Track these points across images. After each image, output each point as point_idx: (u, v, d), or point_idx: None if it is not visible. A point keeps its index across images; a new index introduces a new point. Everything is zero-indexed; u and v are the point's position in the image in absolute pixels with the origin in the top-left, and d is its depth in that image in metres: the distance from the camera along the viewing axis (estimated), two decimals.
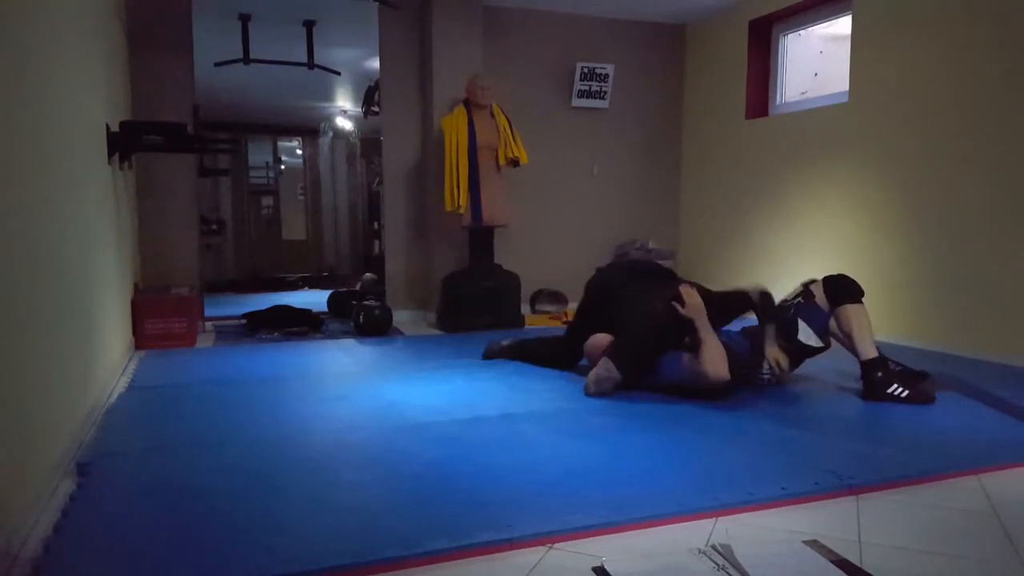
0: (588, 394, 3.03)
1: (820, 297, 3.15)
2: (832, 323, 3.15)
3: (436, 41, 5.13)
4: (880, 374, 2.99)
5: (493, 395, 3.09)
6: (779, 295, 3.31)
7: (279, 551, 1.61)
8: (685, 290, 3.01)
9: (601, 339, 3.22)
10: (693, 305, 2.94)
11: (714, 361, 2.82)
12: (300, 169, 8.96)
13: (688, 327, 2.93)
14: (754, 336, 3.14)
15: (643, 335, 3.04)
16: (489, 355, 3.82)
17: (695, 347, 2.90)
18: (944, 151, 4.02)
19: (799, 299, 3.16)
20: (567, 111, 5.77)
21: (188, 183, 4.94)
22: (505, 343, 3.83)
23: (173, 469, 2.16)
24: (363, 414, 2.81)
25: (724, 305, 3.13)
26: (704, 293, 3.07)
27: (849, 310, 3.07)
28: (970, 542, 1.73)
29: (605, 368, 3.01)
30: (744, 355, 3.05)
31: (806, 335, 3.14)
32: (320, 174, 8.89)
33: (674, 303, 2.97)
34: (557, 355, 3.58)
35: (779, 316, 3.12)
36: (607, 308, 3.28)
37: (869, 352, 3.02)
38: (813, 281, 3.26)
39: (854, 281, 3.17)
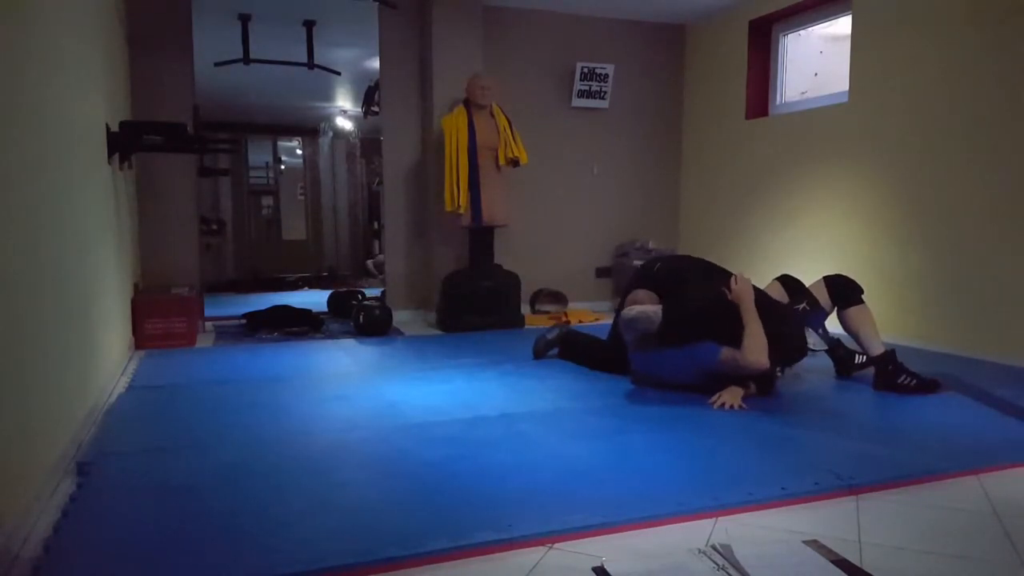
0: (625, 319, 3.03)
1: (823, 298, 3.22)
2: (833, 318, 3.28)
3: (436, 41, 5.14)
4: (890, 367, 3.10)
5: (493, 395, 3.09)
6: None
7: (279, 551, 1.61)
8: (737, 276, 3.02)
9: (642, 295, 3.16)
10: (741, 290, 2.94)
11: (756, 348, 2.81)
12: (300, 169, 8.95)
13: (734, 316, 2.90)
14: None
15: (698, 302, 3.05)
16: (538, 353, 3.80)
17: (737, 338, 2.86)
18: (944, 151, 4.02)
19: (804, 306, 3.20)
20: (567, 111, 5.77)
21: (188, 183, 4.94)
22: (551, 336, 3.81)
23: (173, 469, 2.16)
24: (363, 414, 2.81)
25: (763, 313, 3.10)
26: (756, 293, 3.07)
27: (855, 312, 3.19)
28: (970, 542, 1.73)
29: (654, 310, 2.98)
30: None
31: (809, 336, 3.24)
32: (320, 174, 8.88)
33: (724, 288, 2.98)
34: (603, 364, 3.53)
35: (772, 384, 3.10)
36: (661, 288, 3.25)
37: (878, 349, 3.15)
38: (787, 278, 3.36)
39: (852, 280, 3.25)
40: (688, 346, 2.95)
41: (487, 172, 4.95)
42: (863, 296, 3.23)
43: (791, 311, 3.19)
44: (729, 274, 3.13)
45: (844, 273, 3.44)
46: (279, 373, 3.56)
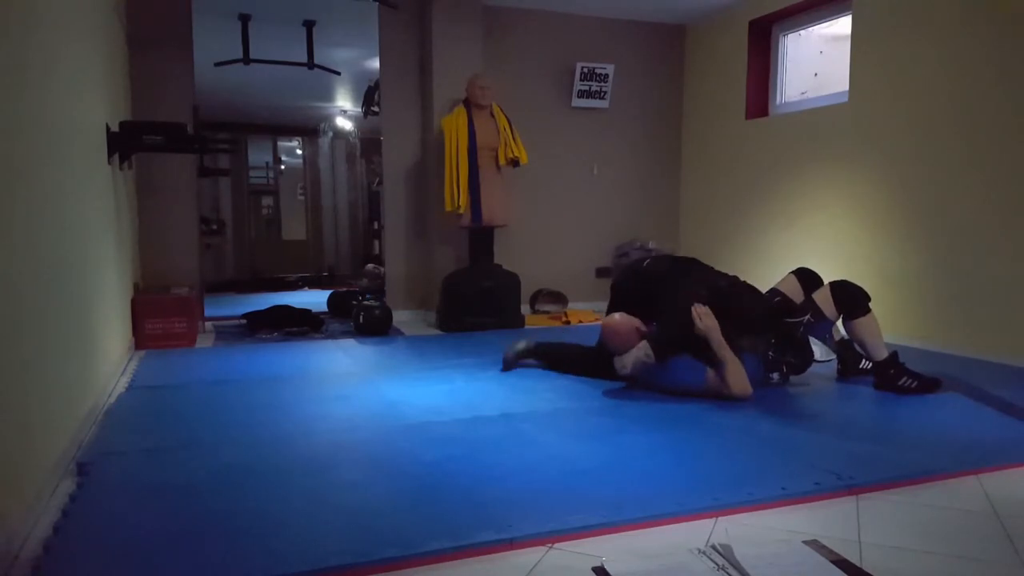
0: (622, 374, 3.05)
1: (827, 306, 3.17)
2: (839, 324, 3.29)
3: (436, 41, 5.14)
4: (892, 371, 3.11)
5: (493, 395, 3.09)
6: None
7: (279, 551, 1.61)
8: (697, 311, 3.01)
9: (618, 320, 3.12)
10: (707, 326, 2.98)
11: (739, 381, 2.93)
12: (300, 169, 8.94)
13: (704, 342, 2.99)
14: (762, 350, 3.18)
15: (682, 317, 3.04)
16: (508, 365, 3.57)
17: (714, 364, 2.96)
18: (944, 151, 4.02)
19: (808, 318, 3.16)
20: (567, 111, 5.77)
21: (188, 183, 4.94)
22: (521, 347, 3.59)
23: (173, 469, 2.16)
24: (363, 414, 2.81)
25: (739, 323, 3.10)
26: (722, 305, 3.07)
27: (862, 323, 3.16)
28: (970, 542, 1.73)
29: (646, 353, 3.00)
30: (751, 370, 3.08)
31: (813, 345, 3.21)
32: (320, 174, 8.88)
33: (694, 311, 3.00)
34: (595, 369, 3.36)
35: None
36: (642, 295, 3.25)
37: (882, 354, 3.15)
38: (804, 271, 3.33)
39: (859, 290, 3.20)
40: (676, 366, 3.01)
41: (487, 172, 4.95)
42: (869, 304, 3.20)
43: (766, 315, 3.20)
44: (696, 266, 3.25)
45: (843, 273, 3.43)
46: (279, 373, 3.56)
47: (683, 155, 6.19)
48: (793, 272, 3.38)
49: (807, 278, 3.33)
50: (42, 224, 2.07)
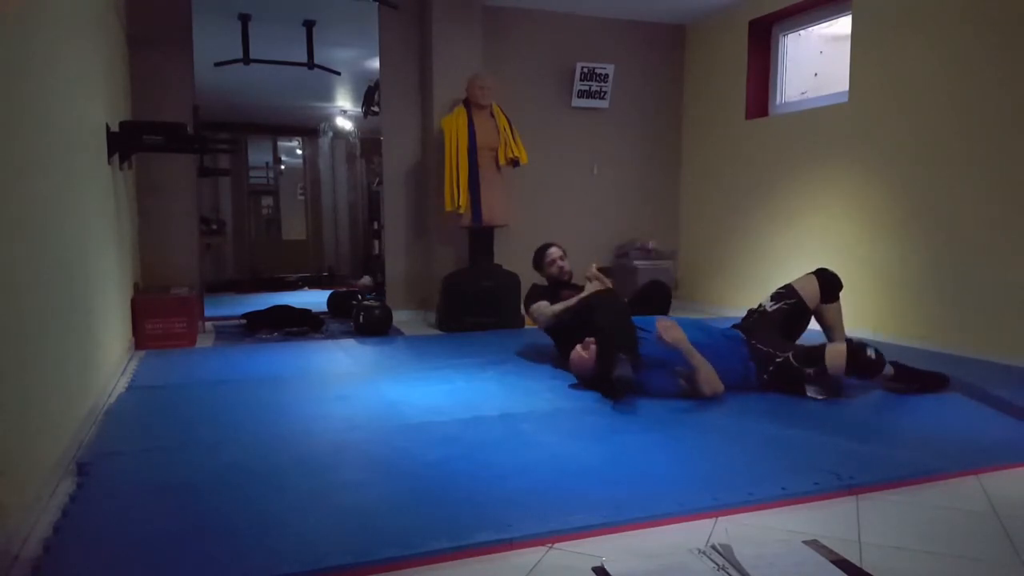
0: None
1: (837, 367, 2.96)
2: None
3: (436, 41, 5.14)
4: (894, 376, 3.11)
5: (493, 395, 3.09)
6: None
7: (279, 551, 1.61)
8: (662, 325, 3.03)
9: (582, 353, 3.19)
10: (676, 338, 2.98)
11: (710, 383, 2.94)
12: (300, 169, 8.95)
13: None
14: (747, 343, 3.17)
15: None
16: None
17: (689, 376, 2.96)
18: (943, 151, 4.02)
19: (811, 372, 2.98)
20: (567, 111, 5.77)
21: (188, 183, 4.94)
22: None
23: (173, 469, 2.16)
24: (363, 414, 2.81)
25: None
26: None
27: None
28: (970, 542, 1.73)
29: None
30: (729, 363, 3.08)
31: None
32: (320, 174, 8.88)
33: (658, 325, 3.03)
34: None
35: None
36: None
37: (889, 373, 3.11)
38: (825, 276, 3.25)
39: (879, 360, 2.97)
40: (650, 375, 3.01)
41: (487, 172, 4.95)
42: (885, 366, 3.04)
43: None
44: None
45: (842, 273, 3.39)
46: (279, 373, 3.56)
47: (683, 155, 6.19)
48: (814, 273, 3.24)
49: (828, 283, 3.20)
50: (42, 224, 2.07)
